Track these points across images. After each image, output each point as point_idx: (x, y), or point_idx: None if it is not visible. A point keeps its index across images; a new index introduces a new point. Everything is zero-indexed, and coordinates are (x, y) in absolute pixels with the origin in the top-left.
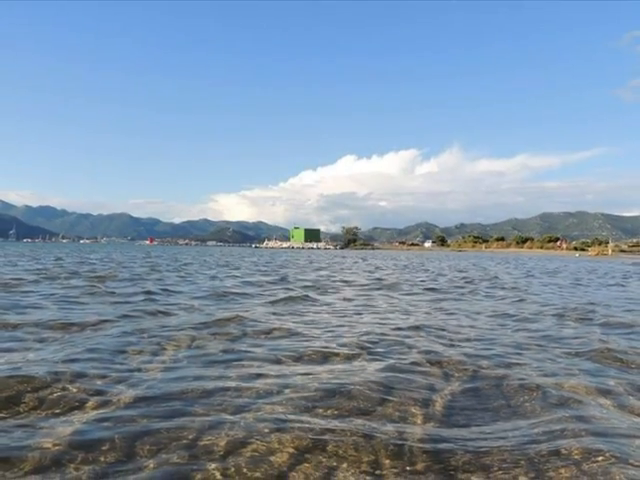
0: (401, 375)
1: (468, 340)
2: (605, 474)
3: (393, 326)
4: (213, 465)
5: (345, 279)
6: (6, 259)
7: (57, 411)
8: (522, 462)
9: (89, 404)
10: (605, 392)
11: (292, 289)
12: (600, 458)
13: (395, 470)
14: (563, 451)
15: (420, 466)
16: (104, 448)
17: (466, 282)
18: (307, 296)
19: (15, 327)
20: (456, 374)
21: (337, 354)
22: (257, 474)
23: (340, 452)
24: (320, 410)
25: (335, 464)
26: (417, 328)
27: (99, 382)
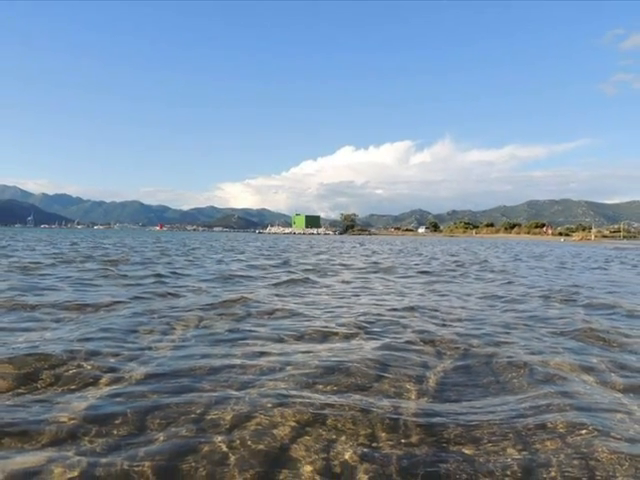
0: (396, 353)
1: (459, 320)
2: (588, 446)
3: (389, 307)
4: (219, 438)
5: (344, 263)
6: (25, 244)
7: (72, 387)
8: (510, 435)
9: (102, 380)
10: (588, 369)
11: (294, 272)
12: (584, 431)
13: (391, 442)
14: (549, 425)
15: (414, 439)
16: (117, 422)
17: (457, 265)
18: (308, 279)
19: (33, 308)
20: (448, 352)
21: (336, 333)
22: (261, 446)
23: (339, 426)
24: (320, 386)
25: (334, 437)
26: (411, 309)
27: (112, 360)
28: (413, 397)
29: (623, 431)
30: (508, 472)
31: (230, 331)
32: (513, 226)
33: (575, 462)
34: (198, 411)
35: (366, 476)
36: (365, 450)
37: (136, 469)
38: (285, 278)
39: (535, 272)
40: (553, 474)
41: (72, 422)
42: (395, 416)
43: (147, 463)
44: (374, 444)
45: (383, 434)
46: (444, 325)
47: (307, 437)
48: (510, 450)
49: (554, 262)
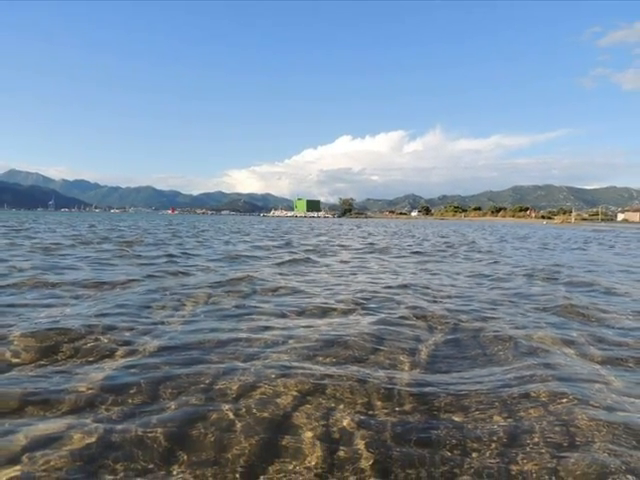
0: (391, 327)
1: (449, 297)
2: (569, 414)
3: (384, 285)
4: (227, 406)
5: (342, 244)
6: (46, 226)
7: (90, 359)
8: (496, 404)
9: (118, 353)
10: (569, 342)
11: (296, 252)
12: (564, 400)
13: (386, 411)
14: (532, 394)
15: (408, 407)
16: (131, 391)
17: (447, 246)
18: (309, 258)
19: (54, 285)
20: (439, 327)
21: (335, 309)
22: (265, 414)
23: (337, 395)
24: (320, 358)
25: (333, 405)
26: (405, 287)
27: (127, 334)
28: (406, 368)
29: (601, 400)
30: (494, 438)
31: (237, 307)
32: (499, 210)
33: (557, 428)
34: (207, 381)
35: (363, 442)
36: (362, 417)
37: (149, 435)
38: (288, 258)
39: (519, 252)
40: (536, 440)
41: (90, 392)
42: (390, 386)
43: (159, 429)
44: (370, 412)
45: (379, 403)
46: (435, 302)
47: (308, 405)
48: (496, 417)
49: (537, 243)
